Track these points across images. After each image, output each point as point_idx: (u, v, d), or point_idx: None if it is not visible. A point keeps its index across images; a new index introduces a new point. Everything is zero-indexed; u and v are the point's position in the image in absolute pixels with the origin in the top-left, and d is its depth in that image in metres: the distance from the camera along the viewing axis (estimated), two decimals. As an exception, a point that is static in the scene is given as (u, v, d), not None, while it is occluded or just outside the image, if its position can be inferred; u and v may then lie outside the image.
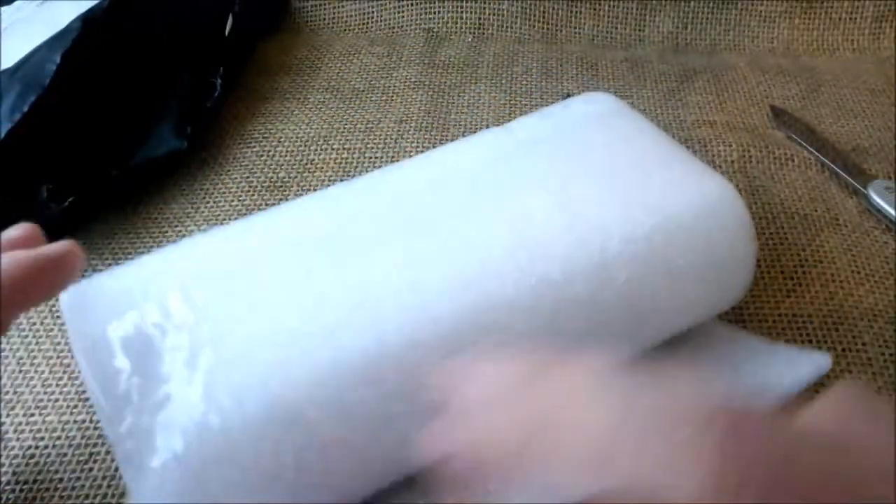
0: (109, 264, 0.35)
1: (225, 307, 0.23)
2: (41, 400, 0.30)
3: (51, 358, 0.31)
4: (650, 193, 0.26)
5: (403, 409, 0.22)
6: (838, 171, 0.39)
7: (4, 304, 0.22)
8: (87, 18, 0.37)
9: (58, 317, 0.32)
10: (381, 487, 0.24)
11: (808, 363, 0.28)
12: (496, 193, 0.27)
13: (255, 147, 0.42)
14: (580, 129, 0.29)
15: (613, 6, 0.50)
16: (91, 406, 0.29)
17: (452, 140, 0.42)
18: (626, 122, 0.30)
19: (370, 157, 0.41)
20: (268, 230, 0.26)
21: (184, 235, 0.37)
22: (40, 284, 0.23)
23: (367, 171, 0.32)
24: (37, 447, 0.28)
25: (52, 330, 0.32)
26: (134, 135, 0.39)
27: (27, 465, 0.28)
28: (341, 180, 0.37)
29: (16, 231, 0.24)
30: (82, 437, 0.28)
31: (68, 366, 0.30)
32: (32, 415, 0.29)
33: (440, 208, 0.26)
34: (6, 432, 0.29)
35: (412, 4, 0.51)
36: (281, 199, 0.38)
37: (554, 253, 0.25)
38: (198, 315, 0.23)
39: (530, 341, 0.24)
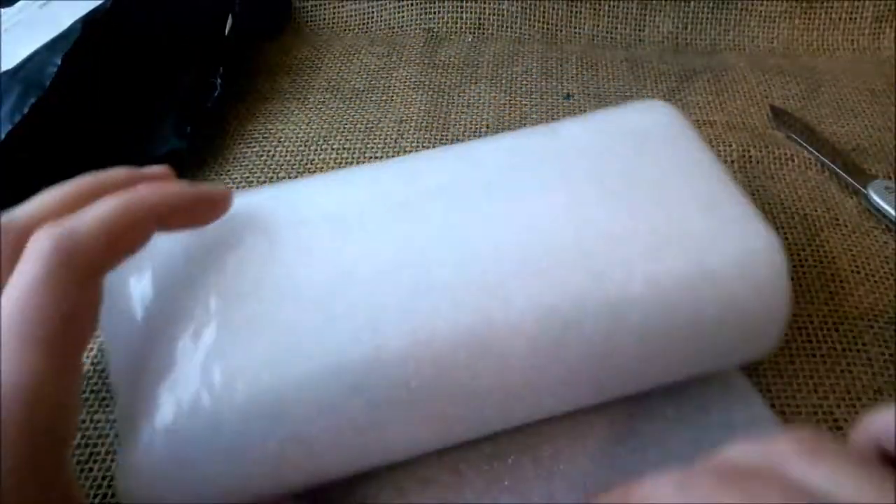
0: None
1: (237, 282, 0.23)
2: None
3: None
4: (685, 236, 0.24)
5: (389, 416, 0.22)
6: (838, 171, 0.39)
7: (155, 220, 0.22)
8: (88, 20, 0.38)
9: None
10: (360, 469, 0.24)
11: None
12: (516, 207, 0.25)
13: (255, 147, 0.42)
14: (627, 146, 0.27)
15: (613, 6, 0.50)
16: (91, 406, 0.29)
17: (452, 140, 0.42)
18: (677, 145, 0.27)
19: (370, 157, 0.41)
20: (293, 205, 0.26)
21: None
22: (195, 214, 0.24)
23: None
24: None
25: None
26: (134, 135, 0.39)
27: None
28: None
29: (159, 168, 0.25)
30: (82, 437, 0.28)
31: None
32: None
33: (453, 215, 0.25)
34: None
35: (412, 4, 0.51)
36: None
37: (567, 283, 0.23)
38: (212, 285, 0.23)
39: (531, 371, 0.23)
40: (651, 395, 0.27)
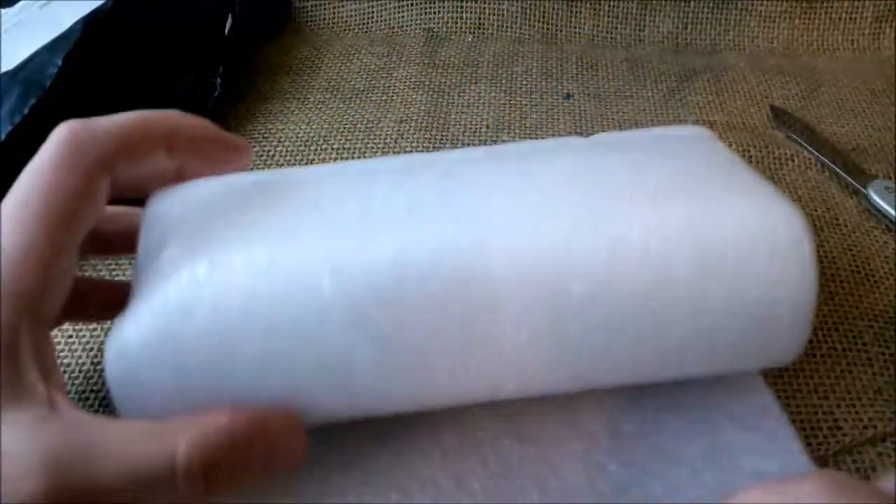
0: (112, 266, 0.35)
1: (254, 200, 0.24)
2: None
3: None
4: (697, 204, 0.23)
5: (355, 335, 0.22)
6: (838, 171, 0.39)
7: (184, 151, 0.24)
8: (88, 21, 0.37)
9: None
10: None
11: (781, 462, 0.25)
12: (524, 167, 0.25)
13: (255, 147, 0.42)
14: (654, 140, 0.27)
15: (613, 6, 0.50)
16: (91, 405, 0.29)
17: (452, 140, 0.42)
18: (707, 147, 0.27)
19: (370, 157, 0.41)
20: (306, 170, 0.27)
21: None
22: (211, 152, 0.25)
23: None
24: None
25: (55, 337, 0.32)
26: (134, 136, 0.39)
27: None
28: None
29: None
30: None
31: (69, 365, 0.30)
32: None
33: (460, 167, 0.25)
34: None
35: (412, 4, 0.51)
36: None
37: (564, 218, 0.22)
38: (232, 203, 0.24)
39: (518, 324, 0.22)
40: (660, 395, 0.27)
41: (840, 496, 0.16)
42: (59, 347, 0.31)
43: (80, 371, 0.30)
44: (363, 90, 0.46)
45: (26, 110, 0.34)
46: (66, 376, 0.30)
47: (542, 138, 0.29)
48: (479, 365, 0.23)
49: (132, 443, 0.19)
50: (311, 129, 0.43)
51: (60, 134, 0.22)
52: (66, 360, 0.31)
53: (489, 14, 0.51)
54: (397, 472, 0.25)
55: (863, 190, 0.37)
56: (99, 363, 0.30)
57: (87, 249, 0.24)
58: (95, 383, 0.30)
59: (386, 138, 0.42)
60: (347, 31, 0.52)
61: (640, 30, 0.51)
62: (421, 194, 0.24)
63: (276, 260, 0.22)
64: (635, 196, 0.23)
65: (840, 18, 0.50)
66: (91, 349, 0.31)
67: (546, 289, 0.22)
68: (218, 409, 0.21)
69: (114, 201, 0.24)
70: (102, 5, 0.39)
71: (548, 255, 0.22)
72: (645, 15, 0.50)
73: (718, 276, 0.22)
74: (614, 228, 0.22)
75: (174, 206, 0.24)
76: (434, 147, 0.42)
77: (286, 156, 0.41)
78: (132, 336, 0.21)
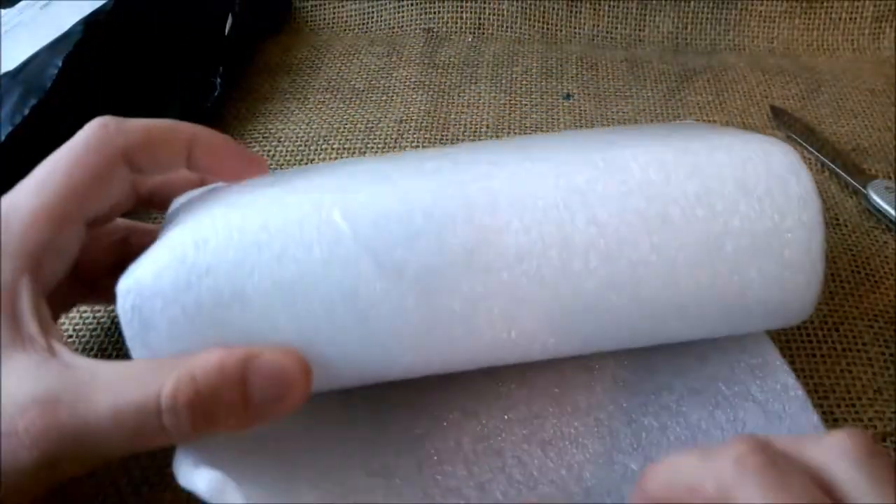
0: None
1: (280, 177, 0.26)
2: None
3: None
4: (693, 140, 0.24)
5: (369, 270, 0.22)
6: (838, 171, 0.39)
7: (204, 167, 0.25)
8: (89, 21, 0.37)
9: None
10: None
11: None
12: (529, 142, 0.26)
13: (255, 147, 0.42)
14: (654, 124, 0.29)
15: (613, 6, 0.50)
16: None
17: (452, 140, 0.42)
18: (706, 125, 0.28)
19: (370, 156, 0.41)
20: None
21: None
22: (235, 169, 0.26)
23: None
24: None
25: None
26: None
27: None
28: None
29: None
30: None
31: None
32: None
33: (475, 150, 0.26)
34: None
35: (412, 4, 0.51)
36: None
37: (571, 163, 0.23)
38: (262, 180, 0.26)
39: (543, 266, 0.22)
40: (670, 359, 0.27)
41: (867, 456, 0.17)
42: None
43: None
44: (363, 90, 0.46)
45: (27, 111, 0.34)
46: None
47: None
48: (492, 310, 0.22)
49: (121, 382, 0.20)
50: (311, 129, 0.43)
51: (94, 122, 0.24)
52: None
53: (489, 14, 0.51)
54: (420, 478, 0.25)
55: (863, 190, 0.37)
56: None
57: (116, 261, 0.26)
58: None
59: (386, 138, 0.42)
60: (347, 31, 0.52)
61: (640, 30, 0.51)
62: (423, 160, 0.25)
63: (289, 196, 0.22)
64: (636, 139, 0.24)
65: (840, 18, 0.50)
66: (92, 348, 0.31)
67: (553, 230, 0.22)
68: (211, 349, 0.21)
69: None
70: (103, 6, 0.39)
71: (551, 194, 0.22)
72: (645, 15, 0.50)
73: (721, 204, 0.22)
74: (613, 156, 0.23)
75: (193, 197, 0.25)
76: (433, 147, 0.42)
77: (286, 156, 0.41)
78: (146, 270, 0.21)
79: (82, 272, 0.26)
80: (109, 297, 0.22)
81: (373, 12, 0.52)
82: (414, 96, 0.45)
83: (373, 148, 0.42)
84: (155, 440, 0.20)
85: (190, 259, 0.21)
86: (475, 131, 0.43)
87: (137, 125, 0.24)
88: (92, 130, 0.23)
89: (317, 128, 0.43)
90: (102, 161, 0.23)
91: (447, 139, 0.42)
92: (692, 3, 0.50)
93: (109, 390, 0.20)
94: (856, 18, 0.50)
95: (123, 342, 0.22)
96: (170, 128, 0.25)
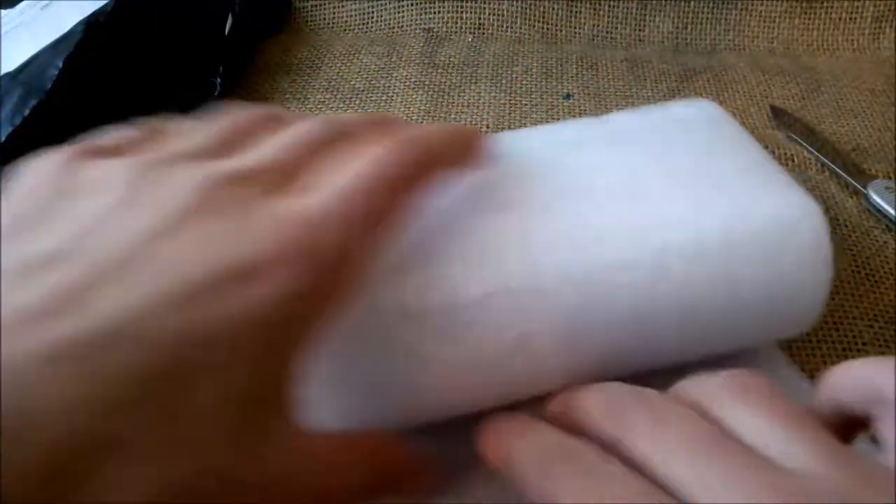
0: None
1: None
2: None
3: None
4: (724, 197, 0.25)
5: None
6: (838, 171, 0.39)
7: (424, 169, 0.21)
8: (89, 22, 0.37)
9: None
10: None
11: None
12: (563, 169, 0.26)
13: (255, 148, 0.42)
14: (672, 126, 0.29)
15: (613, 6, 0.50)
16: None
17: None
18: (721, 130, 0.28)
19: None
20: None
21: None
22: (457, 152, 0.23)
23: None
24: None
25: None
26: (135, 136, 0.39)
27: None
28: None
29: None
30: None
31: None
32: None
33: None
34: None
35: (412, 4, 0.51)
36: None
37: (611, 237, 0.24)
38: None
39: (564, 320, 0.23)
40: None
41: (743, 390, 0.18)
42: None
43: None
44: (363, 90, 0.46)
45: (27, 111, 0.34)
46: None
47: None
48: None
49: None
50: (312, 129, 0.43)
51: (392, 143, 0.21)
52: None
53: (489, 14, 0.51)
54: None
55: (863, 190, 0.37)
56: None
57: None
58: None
59: (386, 139, 0.42)
60: (347, 31, 0.52)
61: (640, 30, 0.51)
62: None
63: None
64: (672, 204, 0.24)
65: (840, 18, 0.50)
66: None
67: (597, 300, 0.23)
68: None
69: None
70: (103, 6, 0.39)
71: (599, 270, 0.23)
72: (645, 15, 0.50)
73: (748, 268, 0.24)
74: (656, 240, 0.24)
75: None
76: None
77: (287, 156, 0.41)
78: None
79: None
80: None
81: (373, 12, 0.52)
82: (414, 96, 0.45)
83: (373, 148, 0.42)
84: None
85: None
86: (475, 131, 0.43)
87: (433, 141, 0.21)
88: (390, 163, 0.20)
89: (317, 128, 0.43)
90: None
91: (447, 139, 0.42)
92: (692, 3, 0.50)
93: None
94: (856, 18, 0.50)
95: None
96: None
